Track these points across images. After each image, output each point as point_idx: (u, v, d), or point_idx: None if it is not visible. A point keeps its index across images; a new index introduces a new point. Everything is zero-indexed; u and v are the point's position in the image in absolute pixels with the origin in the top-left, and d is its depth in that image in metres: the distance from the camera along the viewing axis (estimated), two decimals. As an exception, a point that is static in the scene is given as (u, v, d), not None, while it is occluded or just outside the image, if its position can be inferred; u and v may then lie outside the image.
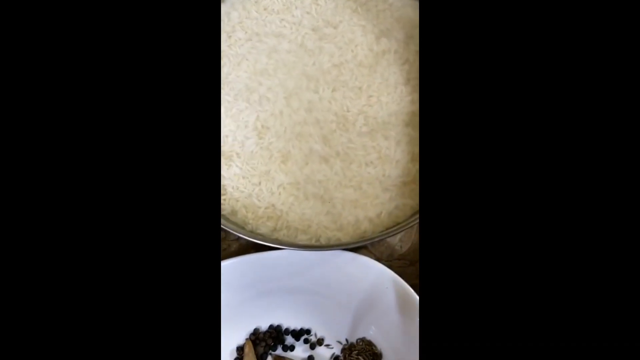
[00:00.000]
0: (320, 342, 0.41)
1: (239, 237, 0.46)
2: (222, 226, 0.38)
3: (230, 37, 0.49)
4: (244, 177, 0.43)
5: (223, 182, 0.43)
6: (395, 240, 0.46)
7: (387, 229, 0.40)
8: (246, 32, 0.49)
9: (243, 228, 0.41)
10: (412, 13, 0.48)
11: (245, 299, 0.41)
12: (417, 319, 0.36)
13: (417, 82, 0.46)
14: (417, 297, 0.36)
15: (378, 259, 0.41)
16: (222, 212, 0.42)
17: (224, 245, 0.46)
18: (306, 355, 0.41)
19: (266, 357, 0.41)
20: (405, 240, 0.46)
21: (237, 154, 0.43)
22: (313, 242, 0.40)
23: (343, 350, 0.40)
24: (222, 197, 0.42)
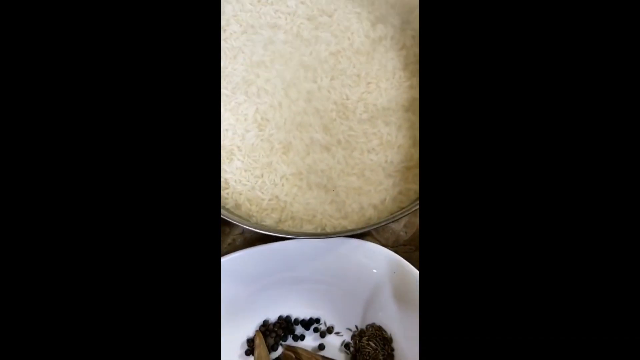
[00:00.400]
0: (330, 330, 0.41)
1: (244, 231, 0.46)
2: (227, 219, 0.38)
3: (225, 30, 0.48)
4: (246, 170, 0.43)
5: (225, 176, 0.43)
6: (399, 226, 0.46)
7: (391, 214, 0.40)
8: (241, 25, 0.48)
9: (248, 221, 0.41)
10: (407, -2, 0.48)
11: (253, 291, 0.41)
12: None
13: (415, 67, 0.46)
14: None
15: (384, 246, 0.41)
16: (226, 206, 0.42)
17: (228, 240, 0.46)
18: (317, 344, 0.41)
19: (277, 348, 0.41)
20: (410, 226, 0.46)
21: (238, 147, 0.43)
22: (319, 232, 0.40)
23: (353, 336, 0.41)
24: (225, 191, 0.42)
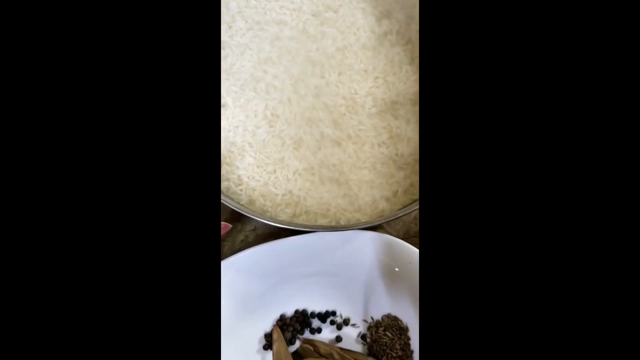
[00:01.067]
0: (346, 322, 0.42)
1: (256, 228, 0.46)
2: (243, 213, 0.38)
3: (230, 27, 0.48)
4: (258, 167, 0.43)
5: (238, 172, 0.43)
6: (410, 218, 0.46)
7: (404, 206, 0.41)
8: (247, 22, 0.48)
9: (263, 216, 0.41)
10: (411, -7, 0.49)
11: (269, 286, 0.41)
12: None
13: (421, 60, 0.46)
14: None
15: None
16: (240, 202, 0.42)
17: (241, 236, 0.46)
18: (333, 336, 0.42)
19: (295, 342, 0.41)
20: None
21: (249, 143, 0.43)
22: (333, 225, 0.41)
23: (369, 328, 0.41)
24: (239, 187, 0.42)
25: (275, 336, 0.40)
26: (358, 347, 0.41)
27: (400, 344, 0.39)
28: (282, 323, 0.41)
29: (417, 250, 0.39)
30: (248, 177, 0.42)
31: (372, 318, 0.41)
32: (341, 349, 0.40)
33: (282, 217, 0.41)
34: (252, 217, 0.38)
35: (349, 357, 0.39)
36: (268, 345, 0.41)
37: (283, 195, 0.42)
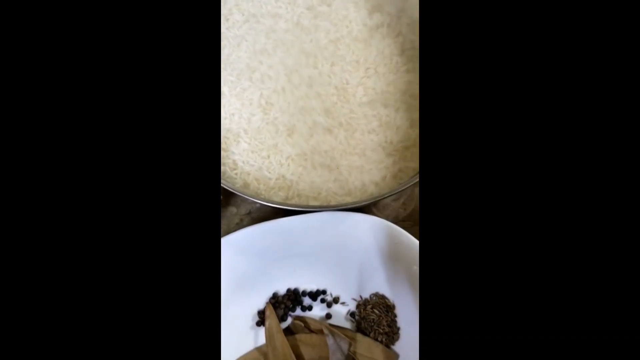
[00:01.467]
0: (336, 300, 0.44)
1: (251, 212, 0.48)
2: (239, 194, 0.40)
3: (227, 19, 0.50)
4: (252, 152, 0.45)
5: (233, 157, 0.45)
6: (398, 204, 0.48)
7: (392, 190, 0.43)
8: (243, 14, 0.50)
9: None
10: (402, -13, 0.51)
11: (263, 265, 0.43)
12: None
13: (411, 52, 0.48)
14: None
15: (385, 220, 0.43)
16: (235, 185, 0.44)
17: (236, 220, 0.48)
18: (324, 313, 0.43)
19: (286, 318, 0.43)
20: (408, 204, 0.49)
21: (245, 130, 0.45)
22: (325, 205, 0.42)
23: (358, 305, 0.43)
24: (234, 172, 0.44)
25: (267, 313, 0.42)
26: (347, 324, 0.43)
27: (387, 321, 0.41)
28: (275, 301, 0.43)
29: (403, 231, 0.41)
30: (243, 162, 0.44)
31: (360, 296, 0.43)
32: (331, 325, 0.42)
33: (275, 199, 0.43)
34: (247, 197, 0.40)
35: (338, 332, 0.41)
36: (261, 322, 0.43)
37: (276, 179, 0.44)
